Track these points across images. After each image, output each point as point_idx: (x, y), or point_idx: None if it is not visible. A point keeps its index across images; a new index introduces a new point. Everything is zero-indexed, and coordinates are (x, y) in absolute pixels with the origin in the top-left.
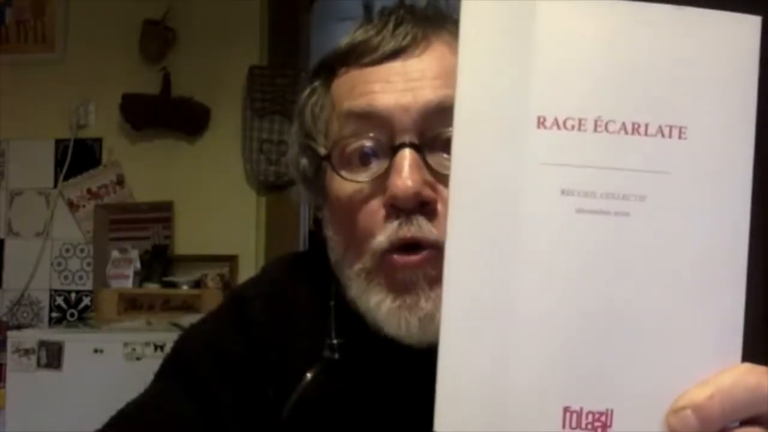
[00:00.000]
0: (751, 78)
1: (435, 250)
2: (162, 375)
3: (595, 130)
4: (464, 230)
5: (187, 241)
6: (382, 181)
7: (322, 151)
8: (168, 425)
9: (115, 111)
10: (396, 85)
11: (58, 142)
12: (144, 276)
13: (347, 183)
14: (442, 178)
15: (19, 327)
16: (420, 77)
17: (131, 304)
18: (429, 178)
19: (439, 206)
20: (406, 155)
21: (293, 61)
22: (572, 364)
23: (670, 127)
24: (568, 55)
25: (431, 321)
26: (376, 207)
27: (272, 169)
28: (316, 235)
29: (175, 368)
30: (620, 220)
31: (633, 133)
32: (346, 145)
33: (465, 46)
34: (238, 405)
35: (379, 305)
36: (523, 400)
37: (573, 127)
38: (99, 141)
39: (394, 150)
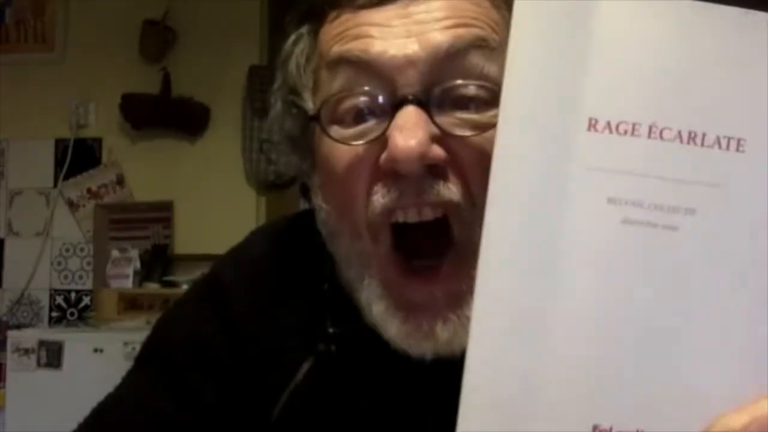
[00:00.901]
0: None
1: (457, 256)
2: (140, 366)
3: (649, 136)
4: (502, 233)
5: (187, 240)
6: (381, 143)
7: (310, 107)
8: (145, 423)
9: (115, 111)
10: (397, 30)
11: (58, 141)
12: (144, 276)
13: (340, 146)
14: (454, 141)
15: (19, 327)
16: (426, 19)
17: (131, 304)
18: (437, 137)
19: (450, 171)
20: (410, 111)
21: None
22: (605, 381)
23: (728, 139)
24: (626, 55)
25: (447, 346)
26: (373, 173)
27: (272, 169)
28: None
29: (152, 359)
30: (667, 234)
31: (689, 142)
32: (337, 103)
33: (518, 37)
34: (221, 403)
35: (385, 322)
36: (552, 416)
37: (626, 131)
38: (99, 141)
39: (395, 107)
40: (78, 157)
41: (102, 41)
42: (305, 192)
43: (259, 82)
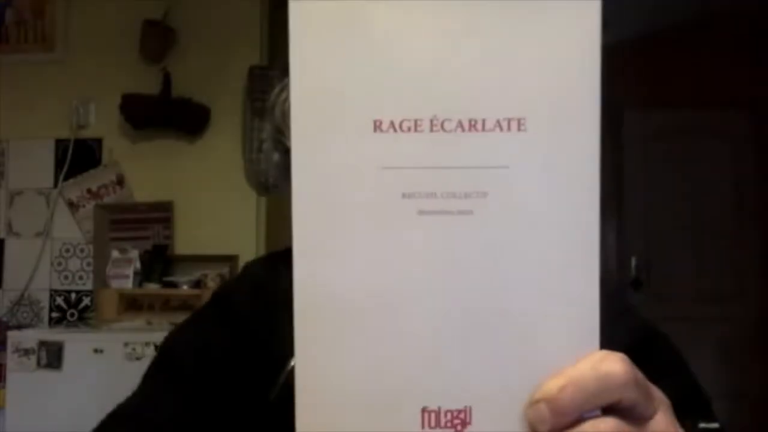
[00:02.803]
0: (592, 63)
1: None
2: (149, 375)
3: (432, 130)
4: (311, 241)
5: (187, 241)
6: None
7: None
8: (155, 423)
9: (115, 111)
10: None
11: (58, 142)
12: (144, 276)
13: None
14: None
15: (19, 327)
16: None
17: (131, 304)
18: None
19: None
20: None
21: None
22: (429, 365)
23: (509, 120)
24: (400, 55)
25: None
26: None
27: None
28: None
29: (161, 367)
30: (463, 219)
31: (470, 129)
32: None
33: (294, 53)
34: (225, 396)
35: None
36: (383, 404)
37: (409, 128)
38: (99, 141)
39: None
40: (78, 157)
41: (102, 41)
42: None
43: (259, 82)
